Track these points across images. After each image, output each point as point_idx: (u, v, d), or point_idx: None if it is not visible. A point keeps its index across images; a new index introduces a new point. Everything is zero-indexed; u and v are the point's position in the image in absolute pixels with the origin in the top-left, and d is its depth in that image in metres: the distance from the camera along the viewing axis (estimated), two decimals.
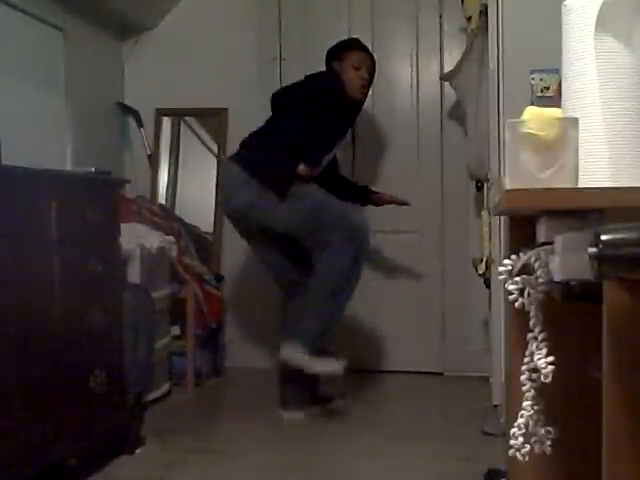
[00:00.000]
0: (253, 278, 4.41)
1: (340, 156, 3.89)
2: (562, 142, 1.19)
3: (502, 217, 2.53)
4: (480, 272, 3.47)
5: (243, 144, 3.57)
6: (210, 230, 4.50)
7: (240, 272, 4.45)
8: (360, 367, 4.21)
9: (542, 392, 1.29)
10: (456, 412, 3.57)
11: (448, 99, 4.26)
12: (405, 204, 3.93)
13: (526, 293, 1.23)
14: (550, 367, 1.20)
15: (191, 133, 4.64)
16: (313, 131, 3.43)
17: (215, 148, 4.56)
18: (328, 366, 3.37)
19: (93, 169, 2.90)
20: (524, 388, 1.30)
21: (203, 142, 4.62)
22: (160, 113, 4.56)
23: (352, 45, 3.69)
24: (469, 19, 3.69)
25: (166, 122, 4.60)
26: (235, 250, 4.42)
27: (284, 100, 3.52)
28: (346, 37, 3.93)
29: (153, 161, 4.55)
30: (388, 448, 3.07)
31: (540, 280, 1.22)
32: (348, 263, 3.36)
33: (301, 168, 3.41)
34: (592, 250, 0.89)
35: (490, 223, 3.30)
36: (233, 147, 4.31)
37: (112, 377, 2.79)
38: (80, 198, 2.69)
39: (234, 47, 4.43)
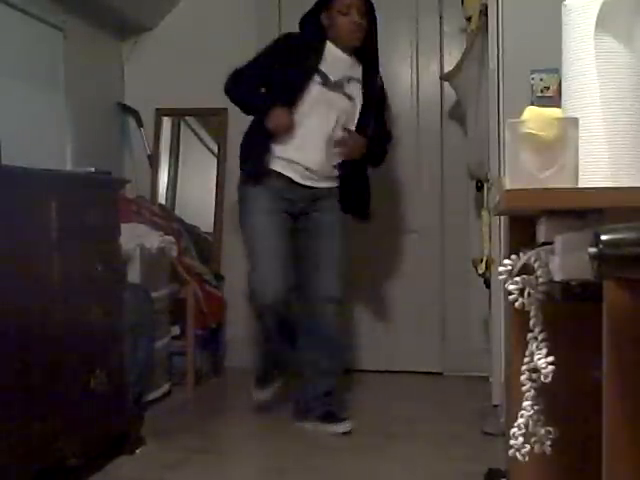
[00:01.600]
0: None
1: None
2: (562, 142, 1.19)
3: (502, 217, 2.53)
4: (480, 272, 3.47)
5: None
6: (210, 230, 4.50)
7: (240, 272, 4.44)
8: (360, 367, 4.21)
9: (542, 392, 1.29)
10: (456, 412, 3.57)
11: (448, 99, 4.26)
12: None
13: (526, 293, 1.23)
14: (550, 367, 1.20)
15: (191, 133, 4.64)
16: (268, 87, 3.35)
17: (215, 148, 4.56)
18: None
19: (93, 169, 2.90)
20: (524, 388, 1.30)
21: (203, 142, 4.62)
22: (160, 113, 4.57)
23: None
24: (469, 19, 3.69)
25: (166, 122, 4.60)
26: (235, 250, 4.41)
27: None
28: None
29: (153, 161, 4.55)
30: (388, 448, 3.07)
31: (540, 280, 1.22)
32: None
33: (269, 124, 3.23)
34: (592, 250, 0.89)
35: (490, 223, 3.30)
36: (233, 147, 4.31)
37: (112, 377, 2.79)
38: (80, 198, 2.68)
39: (234, 47, 4.43)
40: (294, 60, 3.30)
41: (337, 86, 3.33)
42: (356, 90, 3.36)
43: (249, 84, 3.39)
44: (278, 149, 3.30)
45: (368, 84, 3.38)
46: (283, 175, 3.31)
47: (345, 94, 3.34)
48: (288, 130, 3.25)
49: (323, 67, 3.32)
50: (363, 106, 3.36)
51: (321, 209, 3.36)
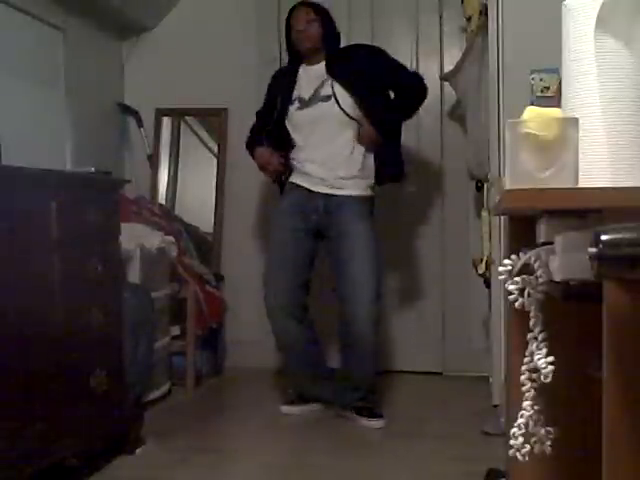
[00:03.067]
0: (253, 278, 4.41)
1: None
2: (562, 142, 1.19)
3: (502, 217, 2.53)
4: (480, 272, 3.47)
5: None
6: (210, 230, 4.50)
7: (240, 272, 4.45)
8: None
9: (542, 392, 1.29)
10: (456, 412, 3.57)
11: (448, 99, 4.26)
12: None
13: (526, 293, 1.23)
14: (550, 367, 1.20)
15: (191, 133, 4.64)
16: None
17: (215, 148, 4.56)
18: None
19: (93, 169, 2.90)
20: (524, 388, 1.30)
21: (203, 142, 4.62)
22: (160, 113, 4.56)
23: (290, 10, 3.57)
24: (469, 19, 3.68)
25: (166, 122, 4.59)
26: (235, 250, 4.42)
27: None
28: (346, 37, 3.81)
29: (153, 161, 4.55)
30: (388, 448, 3.07)
31: (540, 280, 1.22)
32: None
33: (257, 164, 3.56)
34: (592, 250, 0.89)
35: (490, 223, 3.30)
36: (233, 147, 4.32)
37: (112, 377, 2.79)
38: (80, 198, 2.69)
39: (234, 47, 4.43)
40: (279, 93, 3.50)
41: (312, 100, 3.43)
42: (331, 86, 3.38)
43: (254, 136, 3.63)
44: (295, 163, 3.49)
45: (346, 64, 3.42)
46: (300, 186, 3.45)
47: (322, 99, 3.40)
48: (274, 168, 3.50)
49: (299, 92, 3.45)
50: (355, 85, 3.39)
51: (345, 221, 3.39)
